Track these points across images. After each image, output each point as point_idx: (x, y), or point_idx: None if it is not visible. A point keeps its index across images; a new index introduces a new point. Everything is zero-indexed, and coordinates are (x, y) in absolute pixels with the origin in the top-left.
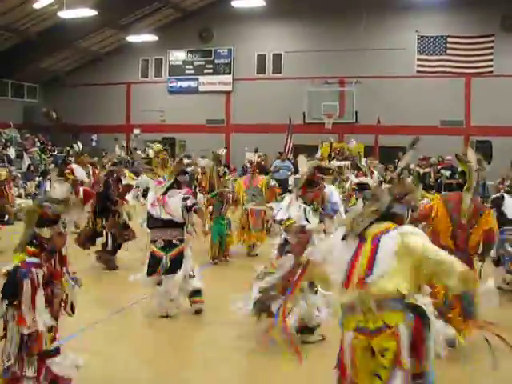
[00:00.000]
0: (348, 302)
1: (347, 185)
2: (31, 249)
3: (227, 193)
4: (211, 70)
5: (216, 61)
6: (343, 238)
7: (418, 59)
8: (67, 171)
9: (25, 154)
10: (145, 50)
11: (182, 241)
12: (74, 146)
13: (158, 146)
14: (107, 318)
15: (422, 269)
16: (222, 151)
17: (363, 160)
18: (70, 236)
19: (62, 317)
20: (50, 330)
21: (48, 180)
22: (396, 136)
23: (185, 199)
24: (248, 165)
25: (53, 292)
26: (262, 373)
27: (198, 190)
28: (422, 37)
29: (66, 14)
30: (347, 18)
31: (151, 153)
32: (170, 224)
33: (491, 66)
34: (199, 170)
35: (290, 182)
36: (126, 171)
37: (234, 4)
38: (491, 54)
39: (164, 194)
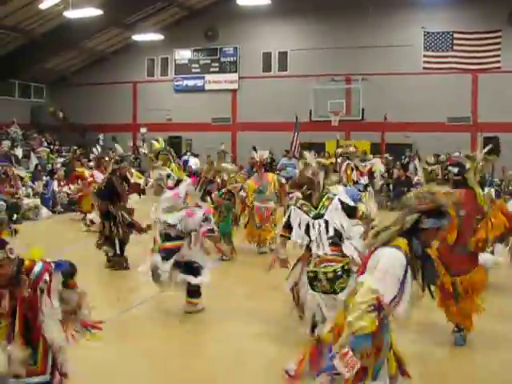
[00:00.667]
0: None
1: None
2: None
3: (235, 188)
4: (217, 69)
5: (222, 59)
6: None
7: (425, 56)
8: (90, 179)
9: (32, 154)
10: (151, 49)
11: (181, 238)
12: (94, 149)
13: (158, 146)
14: (116, 316)
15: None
16: (222, 146)
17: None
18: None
19: None
20: None
21: (55, 179)
22: (403, 133)
23: (204, 220)
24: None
25: None
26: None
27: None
28: (428, 33)
29: (71, 14)
30: (353, 15)
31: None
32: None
33: (498, 61)
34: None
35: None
36: (133, 170)
37: (239, 2)
38: (498, 49)
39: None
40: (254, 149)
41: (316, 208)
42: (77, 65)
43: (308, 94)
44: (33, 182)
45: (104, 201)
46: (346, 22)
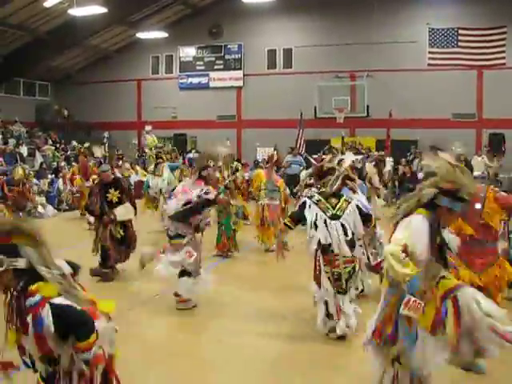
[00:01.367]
0: None
1: None
2: None
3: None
4: (222, 66)
5: (226, 56)
6: None
7: (430, 52)
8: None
9: (37, 152)
10: (155, 46)
11: (183, 236)
12: (97, 149)
13: (150, 142)
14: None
15: None
16: (227, 143)
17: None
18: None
19: None
20: None
21: (60, 177)
22: (408, 129)
23: (206, 193)
24: (262, 159)
25: None
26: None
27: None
28: (433, 29)
29: (76, 12)
30: (357, 11)
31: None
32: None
33: (503, 57)
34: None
35: (301, 177)
36: (138, 168)
37: None
38: (503, 45)
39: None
40: (275, 148)
41: (334, 208)
42: (81, 63)
43: (313, 91)
44: (38, 181)
45: (92, 215)
46: (351, 18)
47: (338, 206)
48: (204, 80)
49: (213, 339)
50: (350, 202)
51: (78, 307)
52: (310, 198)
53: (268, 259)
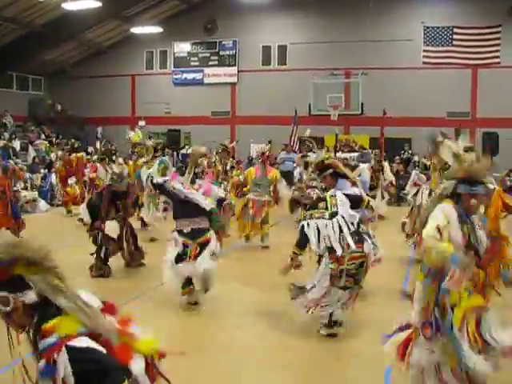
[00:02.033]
0: None
1: None
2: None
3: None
4: (216, 62)
5: (221, 52)
6: None
7: (424, 50)
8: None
9: (30, 147)
10: (149, 41)
11: (208, 229)
12: (91, 147)
13: (135, 138)
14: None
15: None
16: (234, 143)
17: None
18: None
19: None
20: None
21: (53, 172)
22: (402, 128)
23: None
24: (255, 156)
25: None
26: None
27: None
28: (428, 28)
29: (70, 6)
30: (353, 9)
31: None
32: (198, 212)
33: (498, 56)
34: (205, 162)
35: (295, 174)
36: (131, 163)
37: None
38: (498, 44)
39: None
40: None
41: (327, 208)
42: (75, 57)
43: (307, 88)
44: (31, 175)
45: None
46: (346, 15)
47: (329, 205)
48: (198, 76)
49: (211, 337)
50: (335, 195)
51: (104, 351)
52: (304, 218)
53: (261, 256)
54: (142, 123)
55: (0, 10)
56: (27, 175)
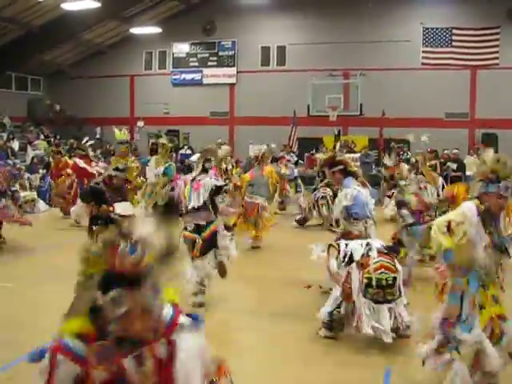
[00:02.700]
0: None
1: None
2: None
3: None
4: (215, 63)
5: (220, 53)
6: None
7: (423, 51)
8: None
9: (28, 147)
10: (148, 42)
11: (211, 222)
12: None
13: (119, 136)
14: None
15: None
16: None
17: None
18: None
19: None
20: None
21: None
22: (401, 128)
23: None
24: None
25: None
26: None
27: None
28: (427, 29)
29: (69, 6)
30: (351, 9)
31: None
32: (199, 207)
33: (497, 58)
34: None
35: (295, 174)
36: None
37: None
38: (497, 46)
39: (193, 180)
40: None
41: None
42: (74, 58)
43: (306, 89)
44: (29, 175)
45: (88, 203)
46: (345, 16)
47: None
48: (197, 76)
49: (211, 336)
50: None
51: None
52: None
53: (261, 256)
54: (140, 123)
55: None
56: (26, 175)
